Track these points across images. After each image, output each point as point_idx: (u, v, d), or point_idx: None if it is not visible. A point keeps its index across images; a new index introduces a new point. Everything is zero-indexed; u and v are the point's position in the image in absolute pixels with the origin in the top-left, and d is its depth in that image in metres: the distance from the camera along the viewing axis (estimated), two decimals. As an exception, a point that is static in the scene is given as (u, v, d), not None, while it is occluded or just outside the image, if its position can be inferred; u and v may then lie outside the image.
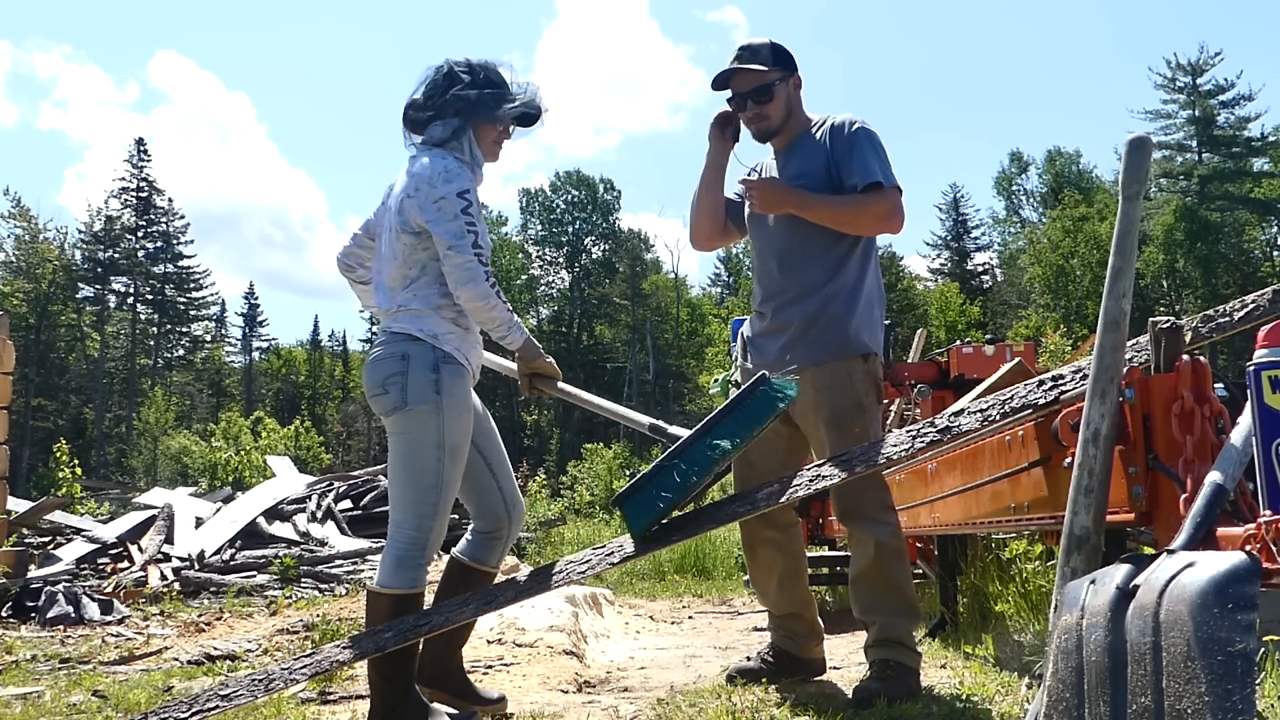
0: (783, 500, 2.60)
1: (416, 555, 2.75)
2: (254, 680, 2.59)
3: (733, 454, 2.57)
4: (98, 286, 48.82)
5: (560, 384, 2.97)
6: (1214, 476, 1.78)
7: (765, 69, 3.15)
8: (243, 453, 27.40)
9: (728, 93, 3.23)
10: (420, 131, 2.89)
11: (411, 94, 2.91)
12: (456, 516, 9.58)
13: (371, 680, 2.77)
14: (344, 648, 2.67)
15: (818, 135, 3.17)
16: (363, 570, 8.55)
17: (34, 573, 7.09)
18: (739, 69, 3.17)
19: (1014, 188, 52.01)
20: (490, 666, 3.82)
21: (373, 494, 10.80)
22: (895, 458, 2.55)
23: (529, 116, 2.95)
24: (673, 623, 6.24)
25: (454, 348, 2.79)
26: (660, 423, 2.85)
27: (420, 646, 2.78)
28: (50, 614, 5.97)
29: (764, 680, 3.21)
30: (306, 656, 2.67)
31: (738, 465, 3.25)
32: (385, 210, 2.92)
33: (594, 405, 3.06)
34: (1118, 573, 1.58)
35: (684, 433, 2.66)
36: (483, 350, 2.97)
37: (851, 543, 3.11)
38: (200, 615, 6.03)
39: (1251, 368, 1.72)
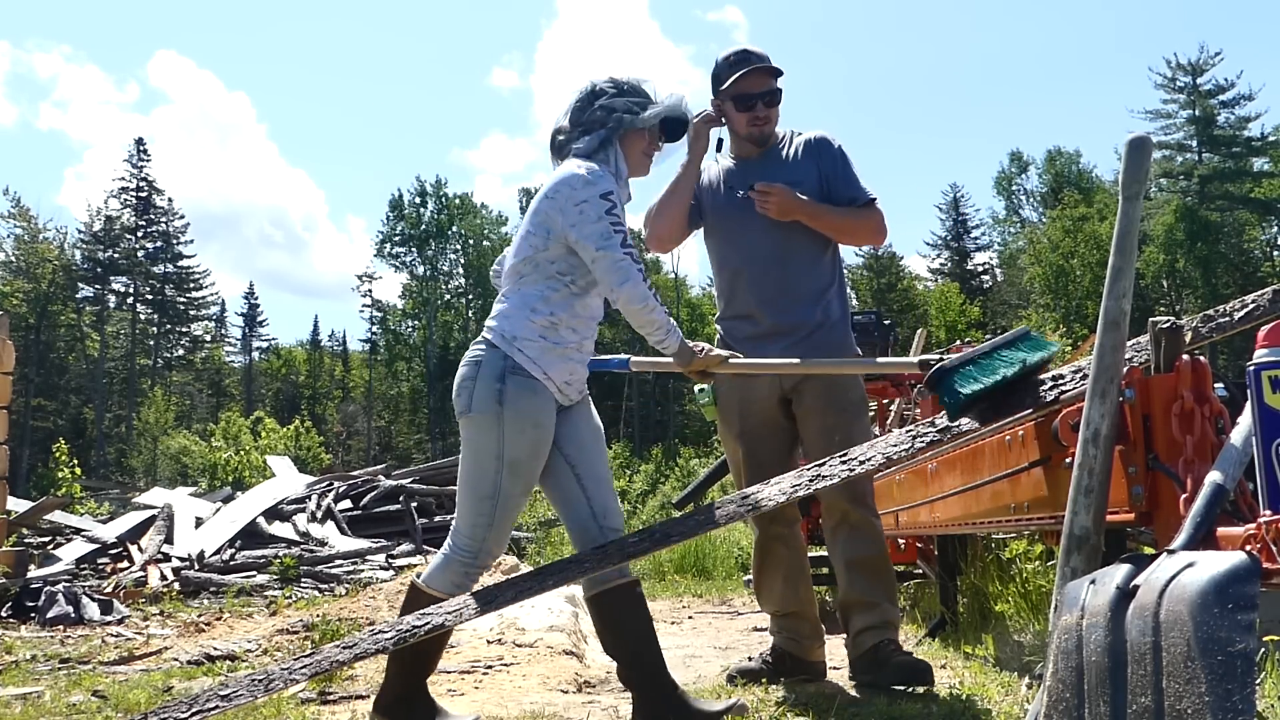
0: (783, 500, 2.60)
1: (467, 562, 2.72)
2: (254, 680, 2.59)
3: (1017, 368, 2.51)
4: (97, 286, 48.83)
5: (734, 359, 2.90)
6: (1214, 476, 1.78)
7: (777, 74, 3.22)
8: (242, 453, 27.43)
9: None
10: (566, 155, 2.84)
11: (558, 122, 2.87)
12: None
13: (389, 670, 2.77)
14: (344, 648, 2.67)
15: (793, 148, 3.30)
16: (362, 570, 8.56)
17: (34, 573, 7.09)
18: (762, 68, 3.18)
19: (1014, 188, 52.01)
20: (490, 666, 3.82)
21: (372, 494, 10.81)
22: (895, 458, 2.55)
23: (675, 124, 2.88)
24: (673, 623, 6.24)
25: (529, 359, 2.68)
26: (928, 355, 2.77)
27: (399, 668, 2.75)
28: (50, 614, 5.97)
29: (764, 681, 3.21)
30: (306, 656, 2.67)
31: (746, 461, 3.28)
32: None
33: (811, 367, 3.04)
34: (1118, 573, 1.58)
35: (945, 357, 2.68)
36: (577, 367, 2.79)
37: (849, 528, 3.18)
38: (200, 615, 6.03)
39: (1251, 368, 1.72)
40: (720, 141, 3.31)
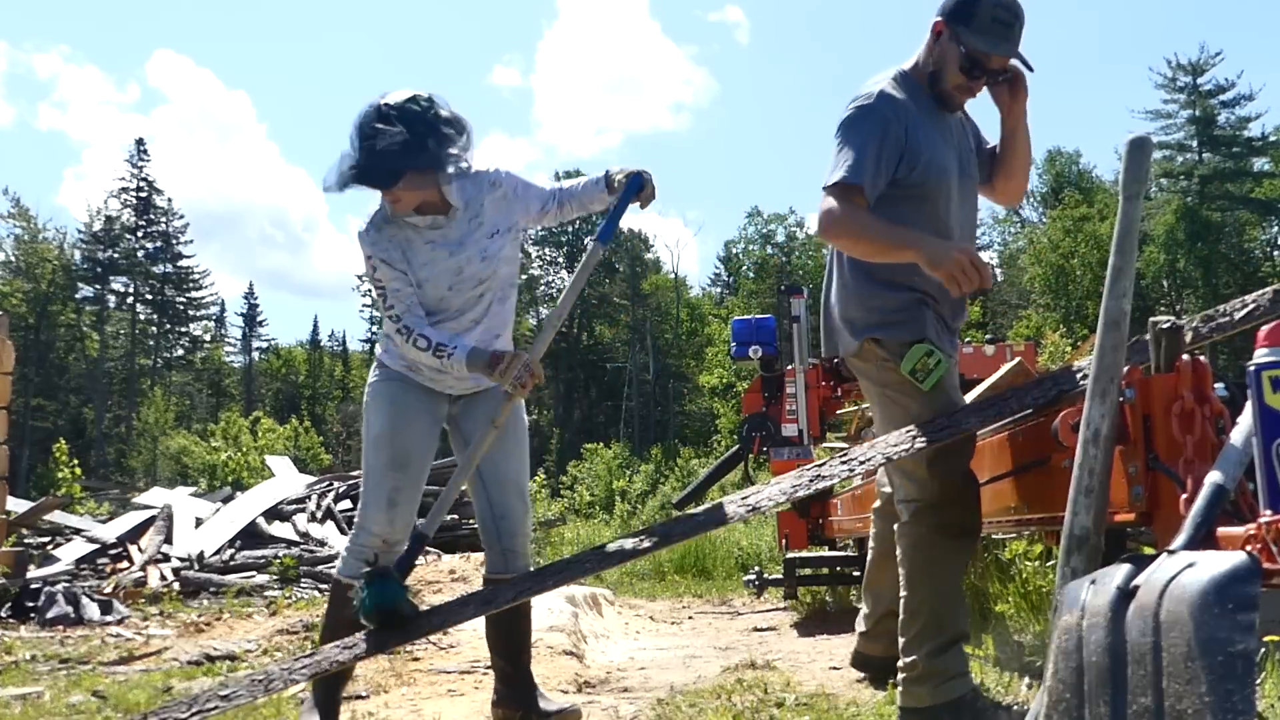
0: (784, 500, 2.60)
1: (354, 542, 2.90)
2: (253, 680, 2.59)
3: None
4: (97, 286, 48.80)
5: (535, 351, 2.75)
6: (1214, 476, 1.78)
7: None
8: (242, 453, 27.42)
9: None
10: None
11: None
12: (455, 516, 9.59)
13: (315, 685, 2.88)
14: (344, 648, 2.67)
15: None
16: (362, 570, 8.55)
17: (34, 573, 7.09)
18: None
19: (1014, 188, 51.92)
20: (491, 666, 3.81)
21: (372, 494, 10.79)
22: (895, 458, 2.54)
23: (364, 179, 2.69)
24: (673, 623, 6.24)
25: (393, 363, 2.92)
26: None
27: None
28: (50, 614, 5.97)
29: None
30: (306, 656, 2.67)
31: None
32: None
33: None
34: (1118, 573, 1.58)
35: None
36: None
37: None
38: (200, 615, 6.03)
39: (1251, 368, 1.72)
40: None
